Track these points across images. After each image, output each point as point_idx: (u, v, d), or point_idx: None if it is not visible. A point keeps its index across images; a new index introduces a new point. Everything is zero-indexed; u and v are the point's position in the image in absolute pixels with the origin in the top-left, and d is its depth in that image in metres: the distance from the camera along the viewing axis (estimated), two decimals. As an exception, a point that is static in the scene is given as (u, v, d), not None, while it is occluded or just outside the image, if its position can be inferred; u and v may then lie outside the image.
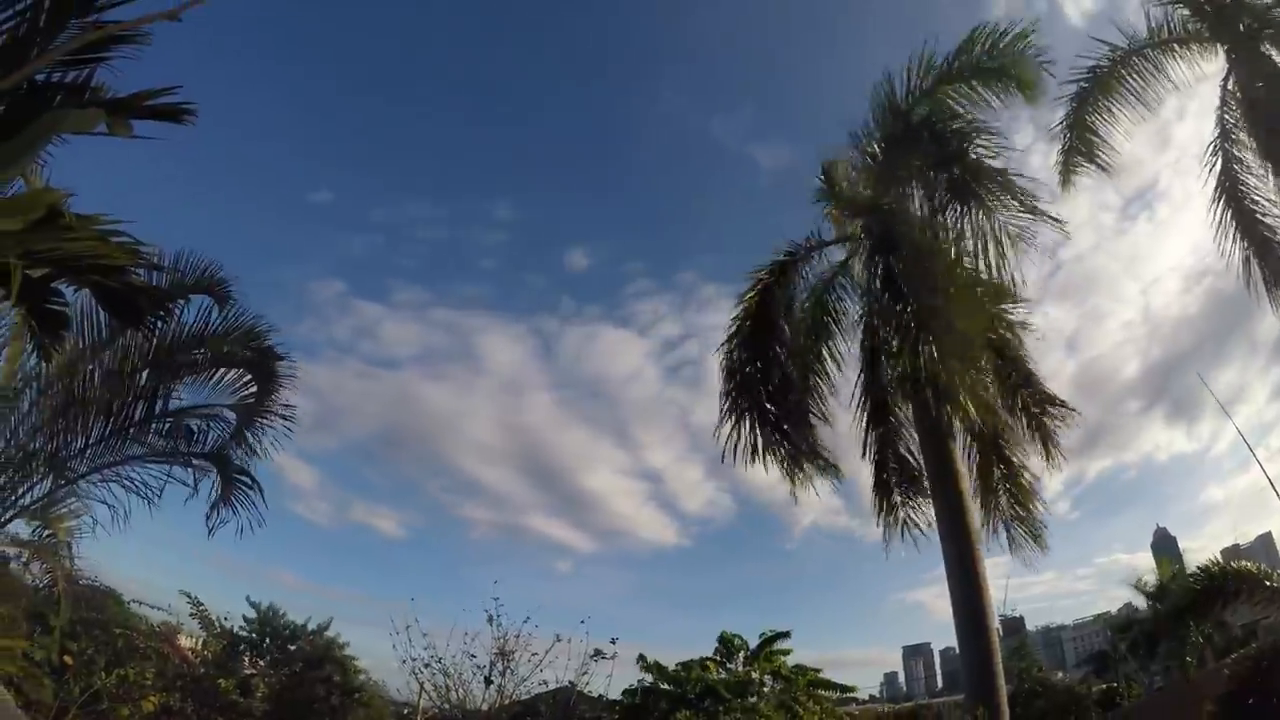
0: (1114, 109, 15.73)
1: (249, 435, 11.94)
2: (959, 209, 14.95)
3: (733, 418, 16.73)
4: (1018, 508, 15.92)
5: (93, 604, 17.03)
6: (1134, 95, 15.54)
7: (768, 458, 16.81)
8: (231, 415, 11.99)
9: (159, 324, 9.37)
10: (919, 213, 15.88)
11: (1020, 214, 14.40)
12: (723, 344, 17.30)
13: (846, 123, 16.78)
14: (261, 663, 22.13)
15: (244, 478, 11.84)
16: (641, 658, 17.02)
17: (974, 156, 15.01)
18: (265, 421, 11.98)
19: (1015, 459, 16.01)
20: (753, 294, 17.15)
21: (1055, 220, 14.49)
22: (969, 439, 15.78)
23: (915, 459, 16.53)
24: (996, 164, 14.92)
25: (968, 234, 14.78)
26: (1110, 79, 15.48)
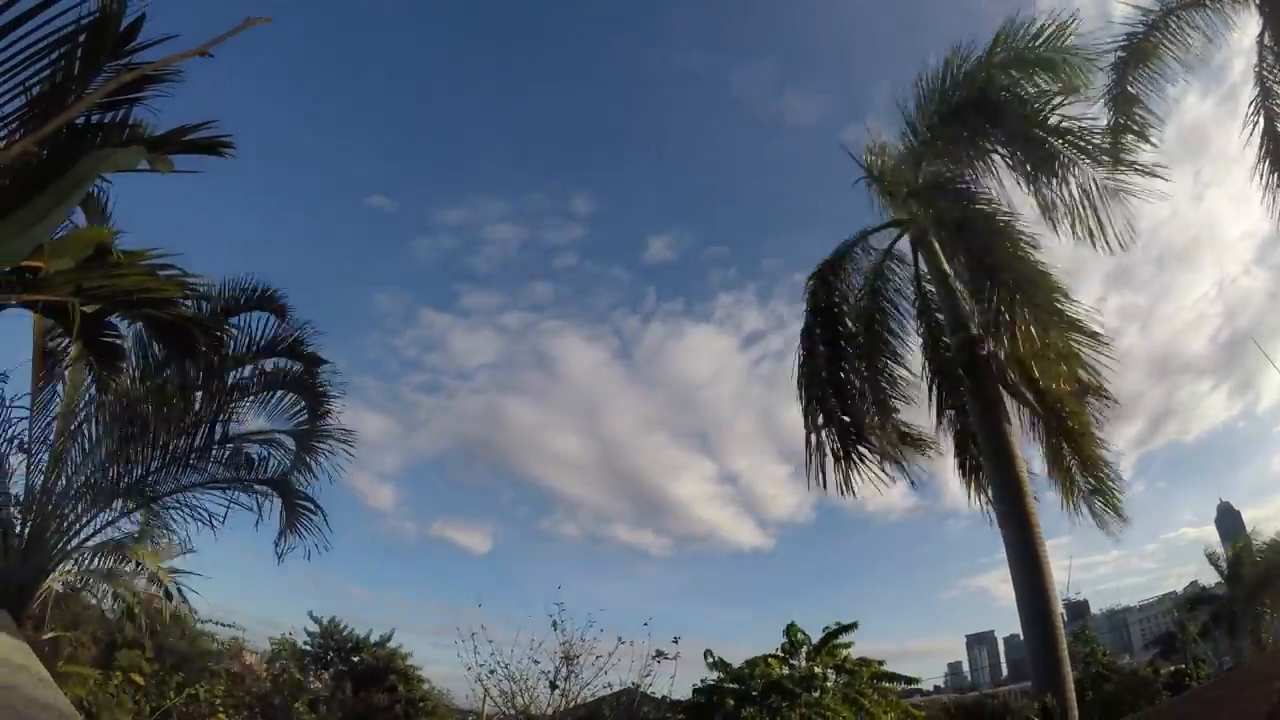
0: (1155, 76, 15.16)
1: (308, 459, 12.08)
2: (1036, 179, 14.34)
3: (814, 436, 16.70)
4: (1091, 480, 15.67)
5: (162, 625, 17.50)
6: (1175, 60, 14.98)
7: (850, 466, 16.74)
8: (290, 442, 12.17)
9: (212, 351, 9.59)
10: (974, 188, 15.63)
11: (1110, 171, 13.75)
12: (797, 352, 17.28)
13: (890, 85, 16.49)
14: (326, 675, 22.59)
15: (307, 503, 11.99)
16: (709, 653, 16.91)
17: (1050, 121, 14.28)
18: (322, 445, 12.13)
19: (1083, 432, 15.67)
20: (814, 295, 17.18)
21: (1151, 172, 13.65)
22: (1036, 418, 15.64)
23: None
24: (1074, 125, 14.15)
25: (1053, 204, 14.21)
26: (1146, 44, 14.96)
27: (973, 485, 16.89)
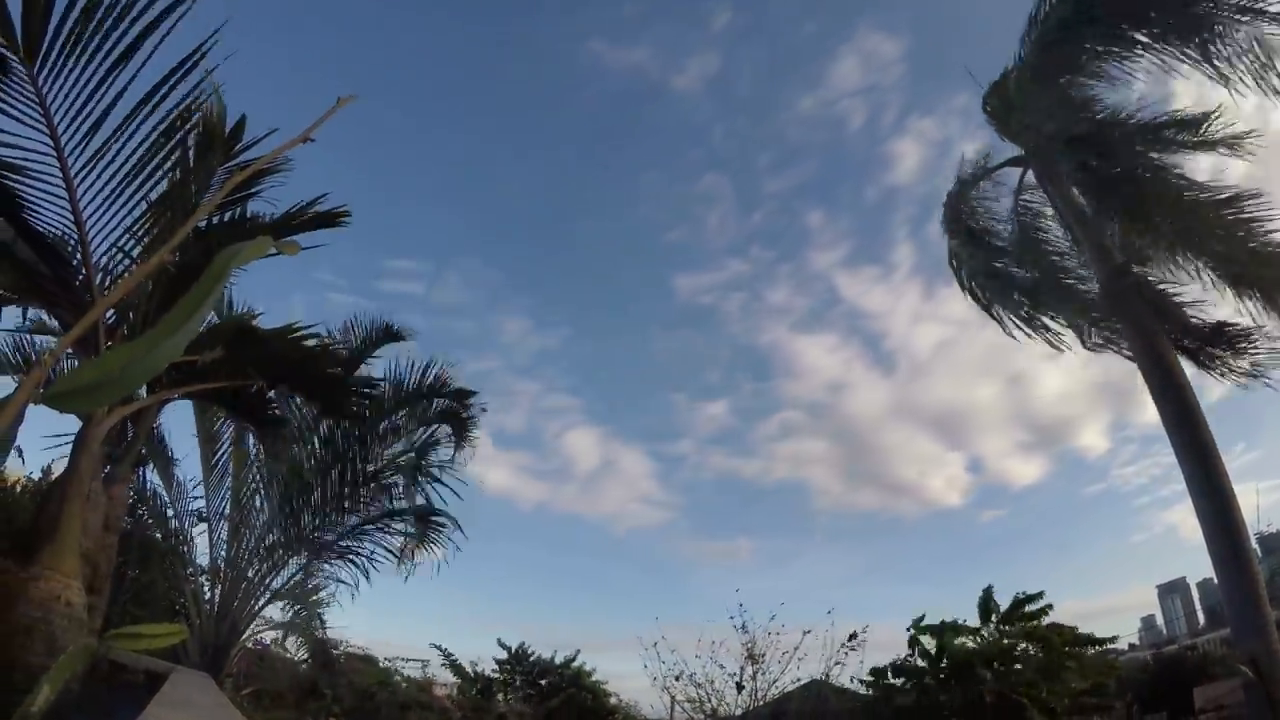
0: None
1: (438, 477, 12.43)
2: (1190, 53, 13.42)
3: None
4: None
5: (351, 668, 18.51)
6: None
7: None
8: (436, 468, 12.50)
9: (364, 408, 10.10)
10: (1092, 101, 14.91)
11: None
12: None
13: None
14: (514, 698, 23.47)
15: (439, 519, 12.39)
16: (913, 623, 16.44)
17: None
18: (457, 460, 12.48)
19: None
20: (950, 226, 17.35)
21: None
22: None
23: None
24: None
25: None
26: None
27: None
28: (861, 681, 16.11)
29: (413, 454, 12.27)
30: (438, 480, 12.24)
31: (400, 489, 12.31)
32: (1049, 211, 16.70)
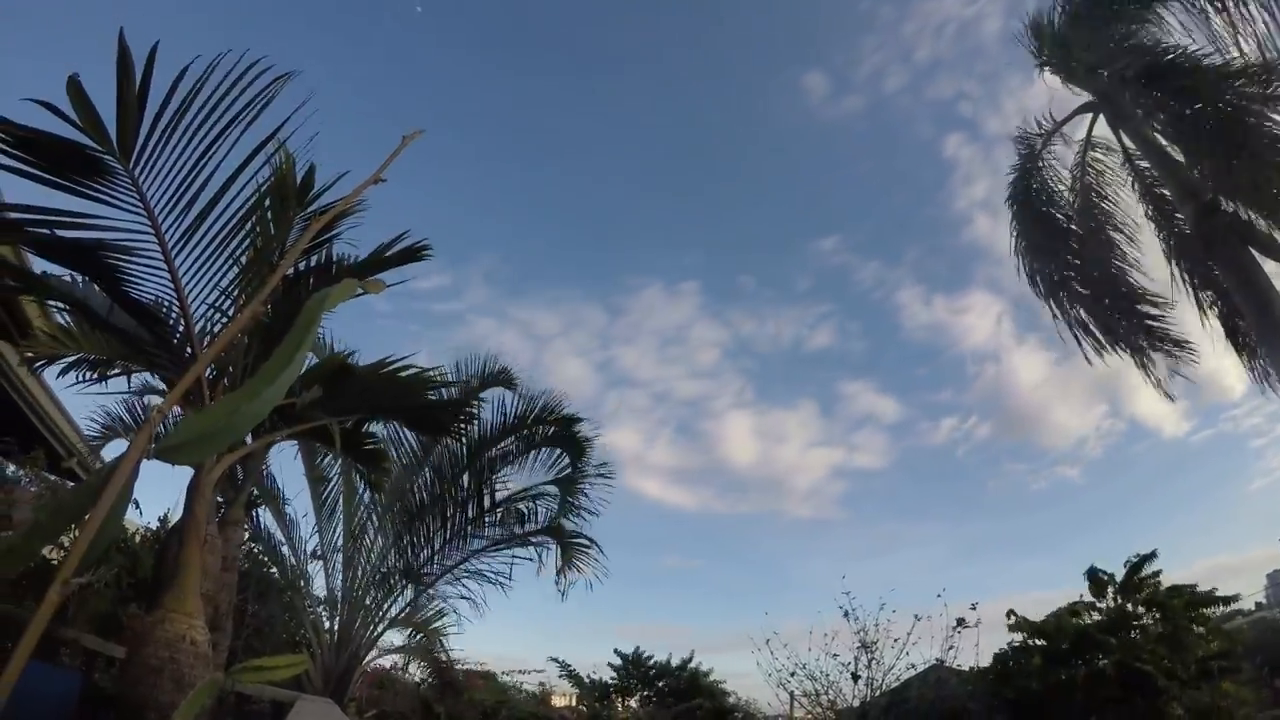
0: None
1: (572, 502, 12.53)
2: None
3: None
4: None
5: (472, 684, 18.89)
6: None
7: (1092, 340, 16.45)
8: (554, 489, 12.61)
9: (465, 430, 10.33)
10: (1160, 36, 14.12)
11: None
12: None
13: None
14: (633, 703, 23.72)
15: (580, 540, 12.44)
16: (1011, 613, 15.85)
17: None
18: (585, 485, 12.60)
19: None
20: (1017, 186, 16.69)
21: None
22: None
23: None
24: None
25: None
26: None
27: (1256, 370, 15.56)
28: (982, 670, 15.56)
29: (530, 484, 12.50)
30: (570, 503, 12.51)
31: (527, 514, 12.53)
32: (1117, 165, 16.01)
